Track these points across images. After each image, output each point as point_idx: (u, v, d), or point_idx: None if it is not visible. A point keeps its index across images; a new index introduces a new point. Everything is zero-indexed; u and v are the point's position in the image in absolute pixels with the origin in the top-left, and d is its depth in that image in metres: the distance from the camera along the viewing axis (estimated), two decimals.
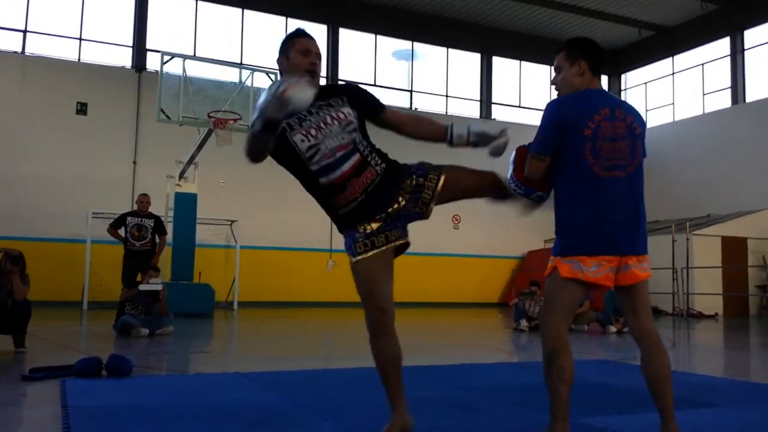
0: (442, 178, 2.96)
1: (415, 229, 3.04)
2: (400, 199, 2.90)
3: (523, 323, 9.75)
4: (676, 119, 18.85)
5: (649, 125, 19.71)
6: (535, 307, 10.04)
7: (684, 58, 19.15)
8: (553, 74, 3.08)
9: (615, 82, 21.29)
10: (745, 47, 17.54)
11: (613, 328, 9.78)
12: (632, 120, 2.89)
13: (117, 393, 4.10)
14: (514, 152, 3.03)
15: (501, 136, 3.03)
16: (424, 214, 2.97)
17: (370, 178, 2.84)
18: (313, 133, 2.80)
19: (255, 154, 2.71)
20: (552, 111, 2.88)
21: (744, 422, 3.42)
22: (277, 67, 3.00)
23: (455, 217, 17.56)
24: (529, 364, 5.87)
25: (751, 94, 17.28)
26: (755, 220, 15.62)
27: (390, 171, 2.92)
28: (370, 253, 2.83)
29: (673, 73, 19.38)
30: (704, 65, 18.43)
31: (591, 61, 2.95)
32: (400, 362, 2.87)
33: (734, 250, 15.49)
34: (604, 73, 21.04)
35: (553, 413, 2.81)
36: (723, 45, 18.01)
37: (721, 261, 15.13)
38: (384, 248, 2.85)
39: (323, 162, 2.79)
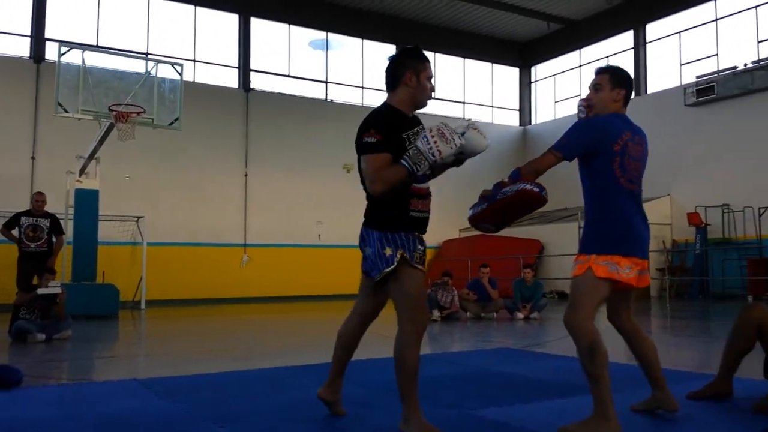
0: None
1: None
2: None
3: (436, 313, 9.87)
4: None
5: (557, 116, 20.37)
6: (447, 297, 10.19)
7: (590, 51, 19.84)
8: (588, 91, 3.43)
9: (525, 75, 21.82)
10: (647, 40, 18.31)
11: (520, 315, 10.08)
12: (644, 145, 3.37)
13: (4, 406, 3.88)
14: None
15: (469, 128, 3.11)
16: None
17: (429, 206, 3.23)
18: None
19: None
20: (589, 125, 3.25)
21: (626, 405, 3.54)
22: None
23: None
24: (435, 356, 5.92)
25: (653, 86, 18.08)
26: (655, 207, 16.36)
27: None
28: (420, 268, 3.12)
29: (580, 66, 20.04)
30: (609, 58, 19.13)
31: (627, 93, 3.36)
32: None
33: None
34: (515, 66, 21.57)
35: (603, 399, 2.99)
36: (627, 38, 18.76)
37: None
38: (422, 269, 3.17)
39: (420, 173, 3.03)
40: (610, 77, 3.34)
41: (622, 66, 3.59)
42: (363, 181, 3.14)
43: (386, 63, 3.25)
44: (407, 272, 3.05)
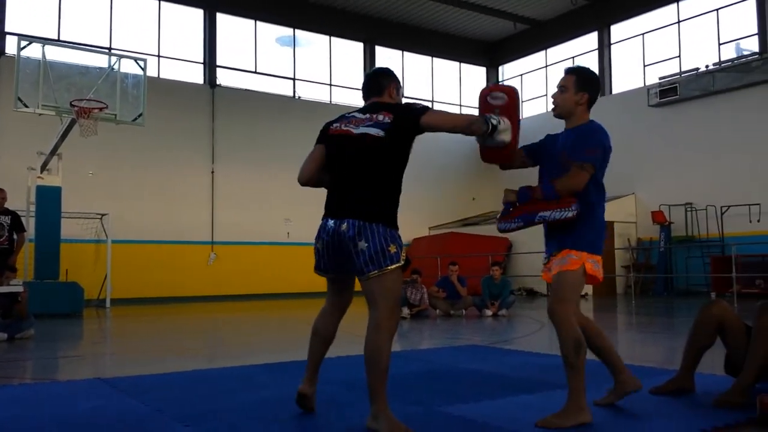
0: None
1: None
2: None
3: (405, 310, 9.89)
4: (549, 110, 19.68)
5: (524, 115, 20.53)
6: (416, 294, 10.22)
7: (556, 52, 20.05)
8: (555, 90, 3.44)
9: (493, 74, 21.97)
10: (612, 41, 18.58)
11: (488, 312, 10.16)
12: None
13: None
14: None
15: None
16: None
17: None
18: None
19: None
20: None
21: (589, 401, 3.59)
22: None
23: None
24: (404, 353, 5.94)
25: (617, 86, 18.35)
26: (620, 205, 16.64)
27: None
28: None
29: (546, 66, 20.24)
30: (574, 58, 19.37)
31: (591, 97, 3.39)
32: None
33: None
34: (482, 65, 21.69)
35: (579, 389, 3.12)
36: (591, 39, 19.00)
37: None
38: None
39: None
40: (575, 79, 3.38)
41: (587, 65, 3.65)
42: (363, 168, 3.15)
43: (369, 74, 3.50)
44: (397, 271, 3.08)
